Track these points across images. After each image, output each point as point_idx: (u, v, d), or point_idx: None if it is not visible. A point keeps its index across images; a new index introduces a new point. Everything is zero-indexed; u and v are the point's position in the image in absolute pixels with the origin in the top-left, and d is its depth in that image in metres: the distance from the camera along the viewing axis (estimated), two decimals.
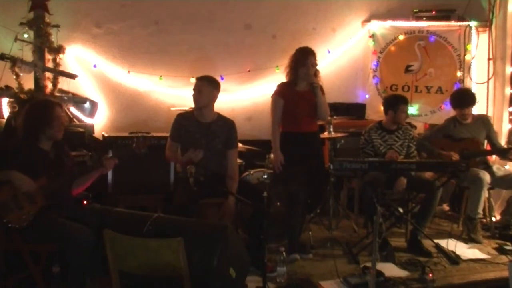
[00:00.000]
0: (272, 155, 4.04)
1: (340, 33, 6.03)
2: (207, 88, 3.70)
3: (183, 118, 3.82)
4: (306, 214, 4.28)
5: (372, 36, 6.02)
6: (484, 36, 5.74)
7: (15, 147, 3.09)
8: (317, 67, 4.02)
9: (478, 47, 5.84)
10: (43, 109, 3.14)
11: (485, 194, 4.42)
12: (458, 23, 5.88)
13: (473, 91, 5.14)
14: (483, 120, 4.75)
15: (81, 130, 4.58)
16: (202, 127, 3.73)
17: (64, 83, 4.81)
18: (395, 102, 4.35)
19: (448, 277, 3.59)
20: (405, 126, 4.48)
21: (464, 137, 4.57)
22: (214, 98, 3.76)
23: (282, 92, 3.95)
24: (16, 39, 4.49)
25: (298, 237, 4.02)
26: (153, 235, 2.67)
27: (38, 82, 4.57)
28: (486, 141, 4.71)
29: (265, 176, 4.32)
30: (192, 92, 3.74)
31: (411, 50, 6.00)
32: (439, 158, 4.46)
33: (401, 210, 4.28)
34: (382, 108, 4.57)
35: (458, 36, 5.90)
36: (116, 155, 3.34)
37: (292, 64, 3.95)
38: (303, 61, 3.88)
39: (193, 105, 3.90)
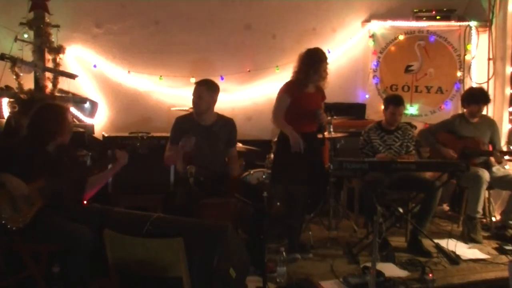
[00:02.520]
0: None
1: (340, 33, 6.03)
2: (206, 93, 3.70)
3: (183, 121, 3.80)
4: (306, 214, 4.28)
5: (372, 36, 6.02)
6: (484, 36, 5.73)
7: (15, 147, 3.08)
8: None
9: (478, 47, 5.84)
10: (57, 116, 3.13)
11: (484, 192, 4.43)
12: (458, 23, 5.88)
13: None
14: (490, 122, 4.76)
15: (81, 130, 4.58)
16: (203, 130, 3.73)
17: (64, 83, 4.80)
18: (386, 102, 4.40)
19: (448, 277, 3.59)
20: (404, 126, 4.48)
21: (468, 135, 4.58)
22: (214, 102, 3.78)
23: (291, 91, 3.93)
24: (16, 39, 4.49)
25: (299, 237, 4.02)
26: (153, 235, 2.66)
27: (38, 82, 4.57)
28: (489, 144, 4.70)
29: (265, 176, 4.32)
30: (192, 95, 3.73)
31: (411, 50, 5.99)
32: (438, 153, 4.51)
33: (401, 210, 4.28)
34: (382, 108, 4.58)
35: (458, 36, 5.90)
36: (126, 149, 3.33)
37: (303, 67, 3.91)
38: (317, 68, 3.87)
39: (192, 106, 3.90)
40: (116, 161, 3.25)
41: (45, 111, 3.18)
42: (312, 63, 3.88)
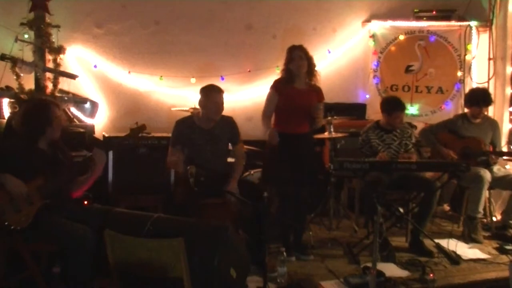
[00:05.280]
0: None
1: (340, 33, 6.03)
2: (223, 97, 3.73)
3: (183, 125, 3.78)
4: (307, 214, 4.26)
5: (373, 36, 6.02)
6: (485, 36, 5.73)
7: (12, 147, 3.09)
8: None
9: (479, 47, 5.83)
10: (41, 110, 3.13)
11: (485, 193, 4.42)
12: (459, 23, 5.87)
13: None
14: (492, 123, 4.77)
15: (81, 130, 4.58)
16: (205, 133, 3.73)
17: (64, 84, 4.81)
18: (391, 108, 4.33)
19: (448, 277, 3.59)
20: (402, 125, 4.47)
21: (469, 135, 4.58)
22: None
23: (279, 87, 3.95)
24: (16, 40, 4.49)
25: (300, 238, 4.02)
26: (153, 235, 2.67)
27: (39, 82, 4.57)
28: (490, 144, 4.71)
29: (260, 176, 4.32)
30: (210, 104, 3.69)
31: (411, 50, 5.99)
32: (439, 154, 4.52)
33: (401, 210, 4.28)
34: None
35: (459, 36, 5.89)
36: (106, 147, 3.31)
37: (285, 62, 3.96)
38: (290, 56, 3.89)
39: (192, 106, 3.89)
40: (94, 161, 3.20)
41: (29, 107, 3.21)
42: (287, 54, 3.92)
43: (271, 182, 3.94)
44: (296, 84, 3.92)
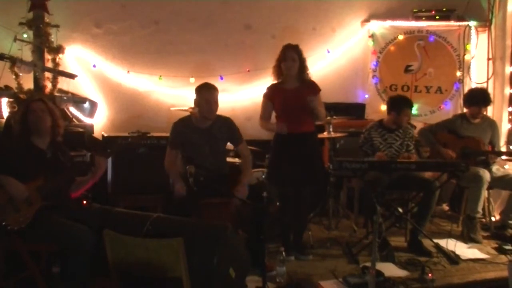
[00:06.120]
0: None
1: (339, 33, 6.03)
2: (217, 95, 3.72)
3: (181, 125, 3.79)
4: (307, 214, 4.26)
5: (372, 36, 6.02)
6: (484, 36, 5.74)
7: (10, 147, 3.11)
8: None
9: (478, 47, 5.84)
10: (22, 106, 3.22)
11: (485, 192, 4.43)
12: (458, 23, 5.88)
13: None
14: (491, 123, 4.77)
15: (80, 130, 4.58)
16: (203, 132, 3.73)
17: (63, 83, 4.81)
18: (399, 105, 4.33)
19: (447, 277, 3.59)
20: (405, 125, 4.48)
21: (468, 135, 4.59)
22: None
23: (270, 94, 3.95)
24: (15, 39, 4.49)
25: (300, 238, 4.02)
26: (153, 235, 2.67)
27: (38, 82, 4.58)
28: (489, 144, 4.71)
29: (265, 176, 4.32)
30: (203, 101, 3.68)
31: (410, 50, 5.99)
32: (438, 154, 4.52)
33: (400, 210, 4.29)
34: (381, 108, 4.58)
35: (458, 36, 5.90)
36: (107, 153, 3.32)
37: (276, 62, 3.94)
38: (283, 56, 3.88)
39: (191, 105, 3.88)
40: (95, 166, 3.21)
41: (26, 107, 3.23)
42: (280, 54, 3.91)
43: (273, 182, 3.94)
44: (287, 85, 3.91)
